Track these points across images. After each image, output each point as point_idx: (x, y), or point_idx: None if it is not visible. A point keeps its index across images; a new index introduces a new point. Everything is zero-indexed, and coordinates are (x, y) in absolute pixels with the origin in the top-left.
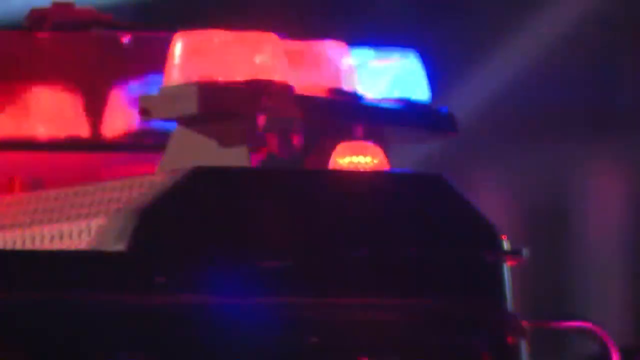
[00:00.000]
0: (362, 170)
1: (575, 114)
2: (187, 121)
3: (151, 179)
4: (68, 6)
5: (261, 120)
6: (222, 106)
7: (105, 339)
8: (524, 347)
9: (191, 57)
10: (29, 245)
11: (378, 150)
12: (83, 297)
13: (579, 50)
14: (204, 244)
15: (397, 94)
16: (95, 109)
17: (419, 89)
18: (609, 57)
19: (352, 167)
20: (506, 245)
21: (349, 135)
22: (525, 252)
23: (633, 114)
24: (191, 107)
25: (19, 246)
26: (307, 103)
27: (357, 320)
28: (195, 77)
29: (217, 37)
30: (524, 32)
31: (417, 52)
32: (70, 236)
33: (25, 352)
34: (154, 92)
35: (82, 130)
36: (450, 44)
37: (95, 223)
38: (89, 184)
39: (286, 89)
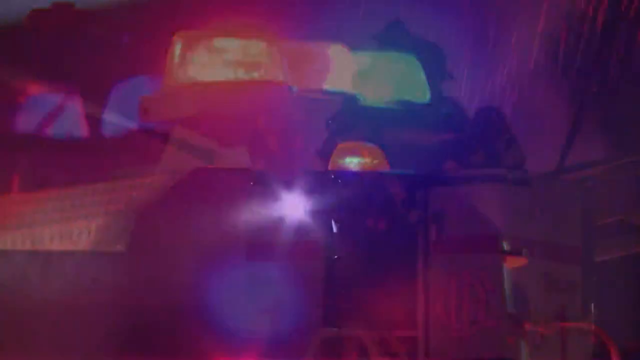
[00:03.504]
0: (361, 171)
1: (575, 113)
2: (187, 121)
3: (151, 179)
4: (68, 6)
5: (261, 120)
6: (222, 106)
7: (106, 339)
8: (524, 347)
9: (191, 57)
10: (29, 246)
11: (378, 151)
12: (82, 298)
13: (581, 50)
14: (204, 244)
15: (397, 95)
16: (95, 109)
17: (419, 90)
18: (611, 57)
19: (351, 168)
20: (506, 245)
21: (349, 136)
22: (525, 252)
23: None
24: (191, 107)
25: (19, 246)
26: (307, 103)
27: (357, 321)
28: (195, 77)
29: (216, 38)
30: (525, 32)
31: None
32: (71, 236)
33: (25, 353)
34: (154, 92)
35: (82, 130)
36: (450, 44)
37: (95, 223)
38: (89, 185)
39: (286, 89)
